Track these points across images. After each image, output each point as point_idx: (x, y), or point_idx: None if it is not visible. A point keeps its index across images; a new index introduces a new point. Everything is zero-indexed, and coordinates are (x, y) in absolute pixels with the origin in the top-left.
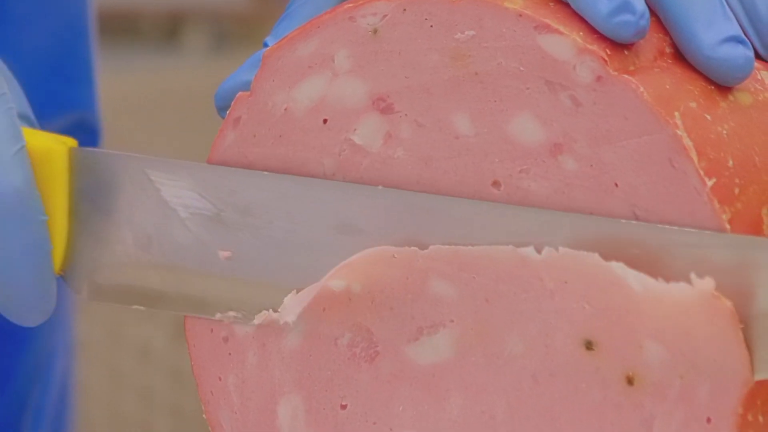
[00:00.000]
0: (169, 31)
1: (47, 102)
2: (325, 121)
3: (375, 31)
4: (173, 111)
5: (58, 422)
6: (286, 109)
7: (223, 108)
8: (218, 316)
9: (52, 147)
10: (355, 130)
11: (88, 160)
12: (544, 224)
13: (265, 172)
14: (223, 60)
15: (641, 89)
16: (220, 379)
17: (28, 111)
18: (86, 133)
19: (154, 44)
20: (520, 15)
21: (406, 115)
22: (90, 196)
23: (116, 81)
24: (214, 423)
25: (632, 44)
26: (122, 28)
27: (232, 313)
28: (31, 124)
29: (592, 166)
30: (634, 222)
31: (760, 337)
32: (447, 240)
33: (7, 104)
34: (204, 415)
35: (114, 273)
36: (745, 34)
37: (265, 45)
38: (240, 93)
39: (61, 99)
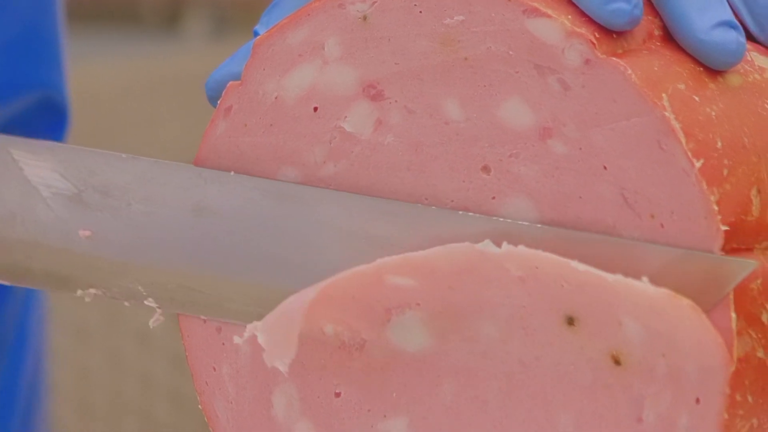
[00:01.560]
0: (170, 16)
1: (9, 81)
2: (315, 109)
3: (364, 18)
4: (173, 96)
5: (29, 416)
6: (276, 98)
7: (214, 98)
8: (79, 293)
9: None
10: (345, 117)
11: None
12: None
13: (123, 154)
14: (223, 45)
15: (629, 72)
16: (214, 369)
17: None
18: (52, 114)
19: (154, 30)
20: None
21: (396, 101)
22: None
23: (117, 67)
24: (209, 413)
25: None
26: (122, 14)
27: (92, 290)
28: None
29: (581, 149)
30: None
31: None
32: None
33: None
34: (200, 406)
35: None
36: (737, 16)
37: (255, 33)
38: (231, 83)
39: (25, 78)
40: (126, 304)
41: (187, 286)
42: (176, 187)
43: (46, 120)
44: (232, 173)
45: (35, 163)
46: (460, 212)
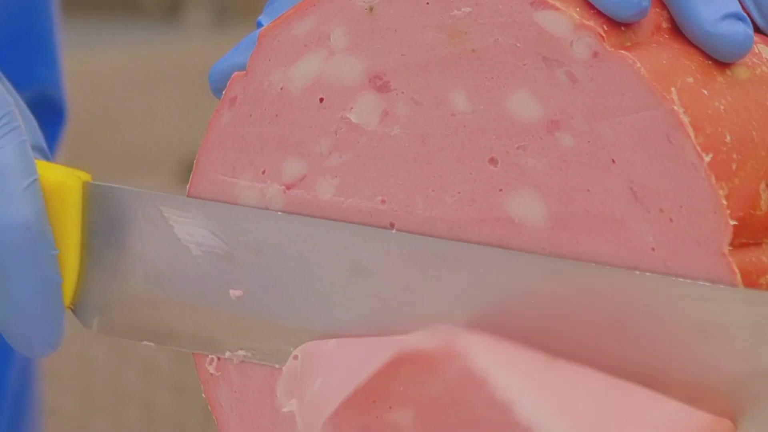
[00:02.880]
0: (170, 6)
1: (2, 77)
2: (321, 99)
3: (371, 9)
4: (174, 87)
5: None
6: (282, 89)
7: (217, 88)
8: (228, 354)
9: (66, 181)
10: (351, 108)
11: (102, 194)
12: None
13: (278, 213)
14: (224, 36)
15: (638, 65)
16: (218, 358)
17: (42, 143)
18: (49, 111)
19: (155, 20)
20: None
21: (402, 92)
22: (102, 231)
23: (117, 57)
24: (213, 403)
25: None
26: (123, 4)
27: (241, 352)
28: (45, 157)
29: (589, 142)
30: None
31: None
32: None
33: (21, 137)
34: (203, 395)
35: (124, 308)
36: (744, 9)
37: (259, 24)
38: (236, 73)
39: (19, 75)
40: (276, 366)
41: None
42: (332, 245)
43: (43, 116)
44: (394, 231)
45: (185, 220)
46: None
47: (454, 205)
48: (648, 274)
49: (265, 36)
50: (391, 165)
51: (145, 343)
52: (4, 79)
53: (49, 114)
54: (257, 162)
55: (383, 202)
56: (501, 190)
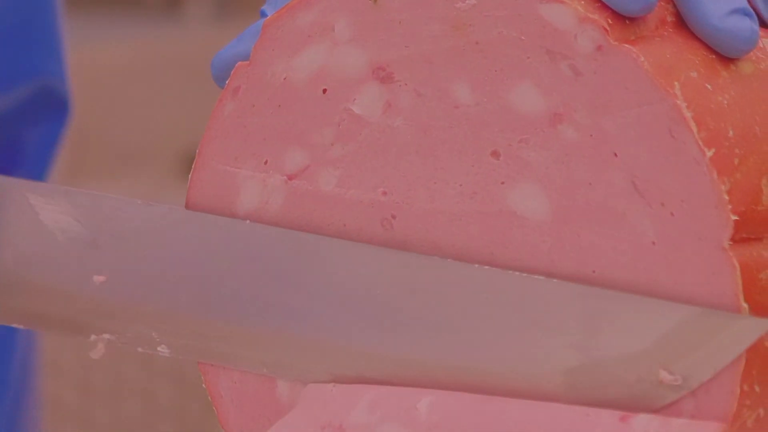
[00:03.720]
0: None
1: (8, 70)
2: (324, 90)
3: (375, 0)
4: (176, 78)
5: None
6: (285, 79)
7: (220, 78)
8: (93, 338)
9: None
10: (354, 99)
11: None
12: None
13: (138, 201)
14: (225, 27)
15: (642, 59)
16: None
17: None
18: (53, 103)
19: (156, 11)
20: None
21: (405, 84)
22: None
23: (118, 49)
24: (213, 392)
25: None
26: None
27: (106, 336)
28: None
29: (591, 135)
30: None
31: None
32: None
33: None
34: (204, 385)
35: None
36: (750, 3)
37: (263, 14)
38: (239, 62)
39: (24, 68)
40: (139, 350)
41: (201, 333)
42: (191, 234)
43: (47, 109)
44: (248, 222)
45: (51, 207)
46: None
47: (456, 197)
48: (477, 266)
49: (269, 26)
50: (394, 157)
51: (15, 326)
52: None
53: (53, 107)
54: (259, 152)
55: (385, 193)
56: (503, 183)
